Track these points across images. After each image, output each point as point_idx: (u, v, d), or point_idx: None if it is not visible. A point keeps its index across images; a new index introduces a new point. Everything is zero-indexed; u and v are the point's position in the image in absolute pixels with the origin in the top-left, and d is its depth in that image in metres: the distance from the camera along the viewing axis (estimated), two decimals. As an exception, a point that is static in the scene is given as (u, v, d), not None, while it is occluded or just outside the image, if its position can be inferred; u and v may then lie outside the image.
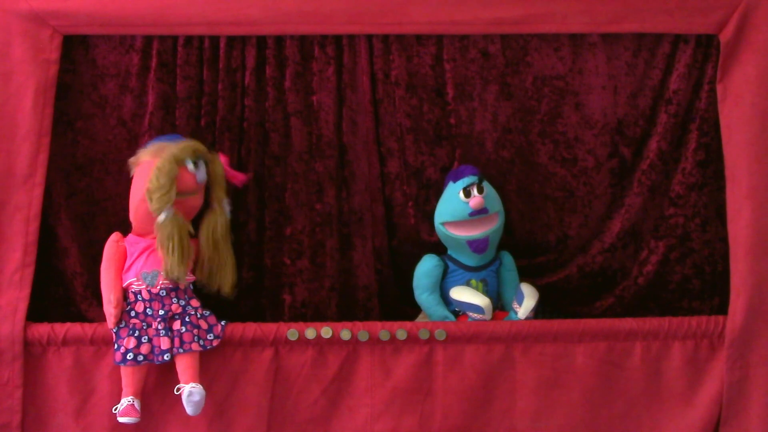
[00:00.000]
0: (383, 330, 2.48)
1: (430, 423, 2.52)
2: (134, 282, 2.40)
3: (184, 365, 2.39)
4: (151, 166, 2.36)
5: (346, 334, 2.47)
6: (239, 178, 2.52)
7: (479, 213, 2.51)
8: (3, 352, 2.44)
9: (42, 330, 2.45)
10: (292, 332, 2.48)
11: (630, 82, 2.64)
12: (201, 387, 2.36)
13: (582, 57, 2.63)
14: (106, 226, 2.61)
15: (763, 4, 2.49)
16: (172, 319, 2.40)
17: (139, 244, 2.42)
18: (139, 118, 2.60)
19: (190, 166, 2.39)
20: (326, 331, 2.47)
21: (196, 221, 2.48)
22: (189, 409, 2.35)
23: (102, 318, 2.55)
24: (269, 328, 2.49)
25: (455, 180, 2.56)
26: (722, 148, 2.55)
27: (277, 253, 2.65)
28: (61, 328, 2.45)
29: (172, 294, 2.42)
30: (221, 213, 2.49)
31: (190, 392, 2.34)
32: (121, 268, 2.43)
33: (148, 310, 2.40)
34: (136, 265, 2.41)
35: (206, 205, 2.49)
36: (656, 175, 2.66)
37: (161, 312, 2.39)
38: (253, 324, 2.50)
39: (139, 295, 2.41)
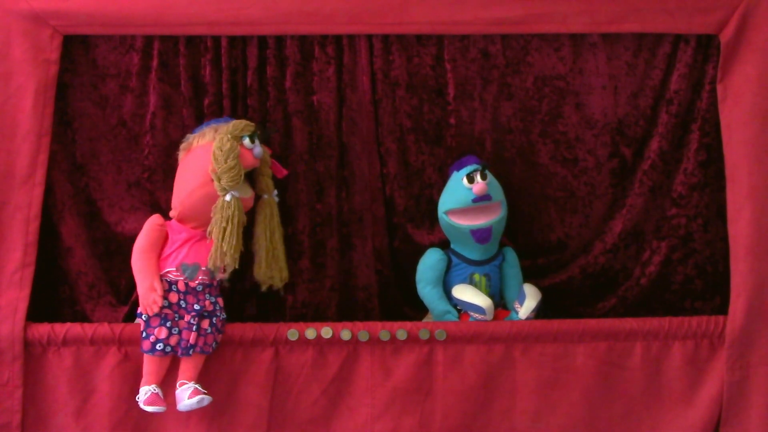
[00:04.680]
0: (383, 330, 2.48)
1: (430, 423, 2.52)
2: (172, 272, 2.39)
3: (192, 363, 2.39)
4: (207, 150, 2.36)
5: (346, 335, 2.47)
6: (282, 171, 2.53)
7: (482, 199, 2.51)
8: (3, 352, 2.44)
9: (42, 330, 2.45)
10: (292, 332, 2.48)
11: (630, 82, 2.64)
12: (206, 397, 2.35)
13: (582, 57, 2.63)
14: (106, 226, 2.62)
15: (763, 4, 2.49)
16: (202, 316, 2.40)
17: (182, 233, 2.41)
18: (139, 118, 2.60)
19: (247, 141, 2.39)
20: (326, 332, 2.47)
21: (250, 214, 2.48)
22: (180, 407, 2.35)
23: (107, 318, 2.57)
24: (269, 328, 2.49)
25: (459, 169, 2.57)
26: (723, 148, 2.56)
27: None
28: (61, 328, 2.45)
29: (207, 290, 2.42)
30: (273, 202, 2.50)
31: (201, 399, 2.33)
32: (160, 254, 2.41)
33: (181, 302, 2.39)
34: (177, 255, 2.40)
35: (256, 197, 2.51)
36: (658, 176, 2.66)
37: (196, 306, 2.38)
38: (253, 324, 2.50)
39: (174, 286, 2.39)
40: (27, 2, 2.45)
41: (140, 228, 2.56)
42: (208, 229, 2.36)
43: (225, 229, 2.32)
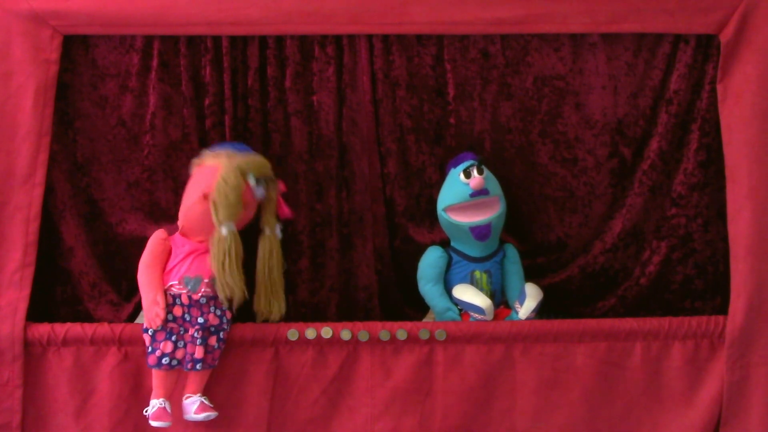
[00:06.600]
0: (383, 330, 2.48)
1: (430, 423, 2.52)
2: (175, 285, 2.38)
3: (198, 377, 2.40)
4: (214, 171, 2.35)
5: (346, 334, 2.47)
6: (285, 212, 2.49)
7: (480, 194, 2.51)
8: (3, 352, 2.45)
9: (42, 330, 2.45)
10: (292, 332, 2.48)
11: (630, 82, 2.64)
12: (212, 413, 2.37)
13: (582, 57, 2.63)
14: (107, 226, 2.62)
15: (763, 4, 2.49)
16: (209, 331, 2.39)
17: (185, 246, 2.40)
18: (139, 118, 2.60)
19: (252, 181, 2.37)
20: (326, 331, 2.47)
21: (252, 248, 2.46)
22: (187, 418, 2.38)
23: (109, 318, 2.56)
24: (269, 328, 2.49)
25: (456, 165, 2.58)
26: (723, 148, 2.55)
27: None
28: (61, 328, 2.45)
29: (211, 303, 2.40)
30: (274, 238, 2.48)
31: (207, 416, 2.36)
32: (164, 268, 2.40)
33: (186, 315, 2.38)
34: (180, 268, 2.39)
35: (258, 230, 2.48)
36: (657, 175, 2.66)
37: (200, 320, 2.37)
38: (253, 324, 2.50)
39: (178, 299, 2.38)
40: (27, 2, 2.45)
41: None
42: (209, 261, 2.36)
43: (224, 264, 2.32)
